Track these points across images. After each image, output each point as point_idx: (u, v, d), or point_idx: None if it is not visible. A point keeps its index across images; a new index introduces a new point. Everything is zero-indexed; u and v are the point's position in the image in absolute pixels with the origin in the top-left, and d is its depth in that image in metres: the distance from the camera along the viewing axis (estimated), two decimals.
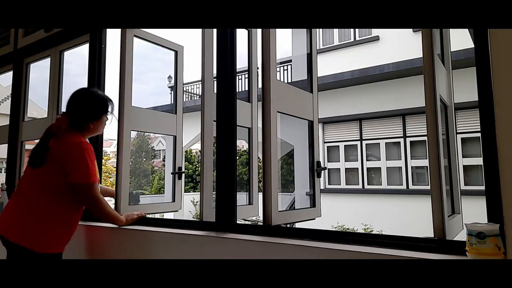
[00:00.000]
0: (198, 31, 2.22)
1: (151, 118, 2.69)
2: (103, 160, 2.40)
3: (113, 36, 2.72)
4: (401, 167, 7.47)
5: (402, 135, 7.51)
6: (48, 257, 1.68)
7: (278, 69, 5.25)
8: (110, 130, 2.20)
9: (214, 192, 1.92)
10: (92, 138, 2.49)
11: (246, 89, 2.62)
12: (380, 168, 7.73)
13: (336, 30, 8.66)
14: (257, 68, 2.50)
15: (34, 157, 1.76)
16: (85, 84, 2.58)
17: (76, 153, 1.70)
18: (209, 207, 2.03)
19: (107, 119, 1.95)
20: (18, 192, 1.77)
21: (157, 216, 4.76)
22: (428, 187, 1.45)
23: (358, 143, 8.00)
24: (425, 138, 1.48)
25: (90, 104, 1.88)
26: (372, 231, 6.35)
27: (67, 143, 1.72)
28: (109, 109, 1.93)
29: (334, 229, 3.69)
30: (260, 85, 1.91)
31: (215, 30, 2.05)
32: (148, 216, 2.55)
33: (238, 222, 1.84)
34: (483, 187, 1.23)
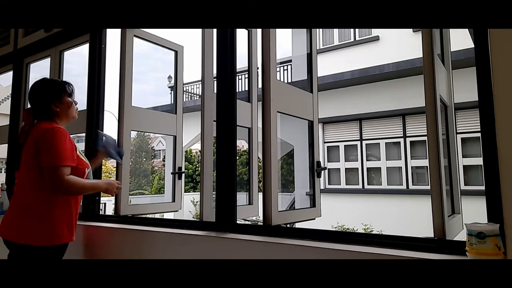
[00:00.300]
0: (198, 31, 2.22)
1: (151, 118, 2.69)
2: (103, 160, 2.40)
3: (113, 36, 2.73)
4: (401, 167, 7.47)
5: (402, 135, 7.51)
6: (51, 250, 1.67)
7: (278, 69, 5.25)
8: (110, 130, 2.21)
9: (214, 192, 1.92)
10: (92, 138, 2.49)
11: (246, 89, 2.62)
12: (380, 168, 7.72)
13: (336, 30, 8.65)
14: (257, 68, 2.50)
15: (12, 160, 1.77)
16: (85, 84, 2.59)
17: (46, 137, 1.65)
18: (209, 207, 2.03)
19: (72, 100, 1.85)
20: (13, 194, 1.79)
21: (157, 216, 4.77)
22: (428, 187, 1.45)
23: (358, 143, 8.00)
24: (425, 138, 1.48)
25: (45, 87, 1.84)
26: (372, 231, 6.35)
27: (38, 132, 1.69)
28: (68, 90, 1.84)
29: (334, 229, 3.69)
30: (260, 85, 1.91)
31: (215, 30, 2.05)
32: (148, 216, 2.55)
33: (238, 222, 1.84)
34: (483, 187, 1.23)
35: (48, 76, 2.94)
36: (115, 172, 2.36)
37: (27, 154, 1.70)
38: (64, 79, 2.88)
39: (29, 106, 1.84)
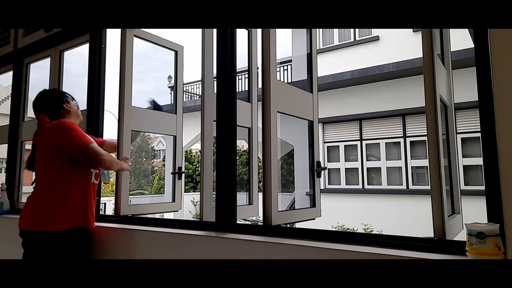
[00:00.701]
0: (198, 31, 2.22)
1: (151, 118, 2.69)
2: None
3: (113, 36, 2.73)
4: (401, 167, 7.47)
5: (402, 135, 7.51)
6: (65, 234, 1.83)
7: (278, 69, 5.25)
8: (110, 130, 2.24)
9: (214, 192, 1.92)
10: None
11: (246, 89, 2.62)
12: (380, 168, 7.72)
13: (336, 30, 8.65)
14: (257, 68, 2.50)
15: (29, 162, 2.02)
16: (85, 84, 2.59)
17: (57, 130, 1.85)
18: (209, 207, 2.03)
19: (74, 104, 2.12)
20: (32, 193, 1.96)
21: (157, 216, 4.77)
22: (428, 187, 1.45)
23: (358, 143, 8.00)
24: (425, 138, 1.48)
25: (54, 94, 2.14)
26: (372, 231, 6.35)
27: (46, 129, 1.88)
28: (70, 96, 2.13)
29: (334, 229, 3.69)
30: (260, 85, 1.91)
31: (215, 30, 2.05)
32: (148, 216, 2.55)
33: (238, 222, 1.84)
34: (483, 187, 1.23)
35: (48, 76, 2.94)
36: (115, 172, 2.36)
37: (41, 150, 1.90)
38: (64, 79, 2.91)
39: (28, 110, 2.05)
